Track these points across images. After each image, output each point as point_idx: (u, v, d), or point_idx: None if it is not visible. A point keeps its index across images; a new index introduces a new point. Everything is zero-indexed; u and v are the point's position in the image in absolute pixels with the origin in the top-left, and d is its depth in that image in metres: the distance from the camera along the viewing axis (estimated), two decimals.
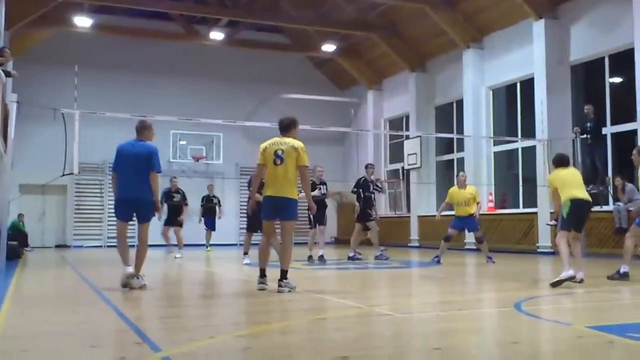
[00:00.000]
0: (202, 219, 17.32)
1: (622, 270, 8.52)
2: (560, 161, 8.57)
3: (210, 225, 17.44)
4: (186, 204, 14.87)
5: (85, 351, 4.11)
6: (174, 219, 14.58)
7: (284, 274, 7.17)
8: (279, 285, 7.09)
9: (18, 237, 16.66)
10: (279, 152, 7.11)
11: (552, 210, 14.98)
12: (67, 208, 21.45)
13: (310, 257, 12.61)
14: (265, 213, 7.26)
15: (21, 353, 4.02)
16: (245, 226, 13.02)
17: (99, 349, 4.20)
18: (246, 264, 11.37)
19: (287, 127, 7.36)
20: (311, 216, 12.19)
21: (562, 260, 7.70)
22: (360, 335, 4.85)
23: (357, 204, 13.58)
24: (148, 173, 7.60)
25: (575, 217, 8.01)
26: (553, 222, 14.60)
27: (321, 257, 12.44)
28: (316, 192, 12.19)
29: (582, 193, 8.18)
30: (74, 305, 6.76)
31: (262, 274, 7.30)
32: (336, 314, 5.77)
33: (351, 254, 13.21)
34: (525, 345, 4.31)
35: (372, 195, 13.68)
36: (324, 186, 13.13)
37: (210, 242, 17.56)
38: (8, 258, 11.13)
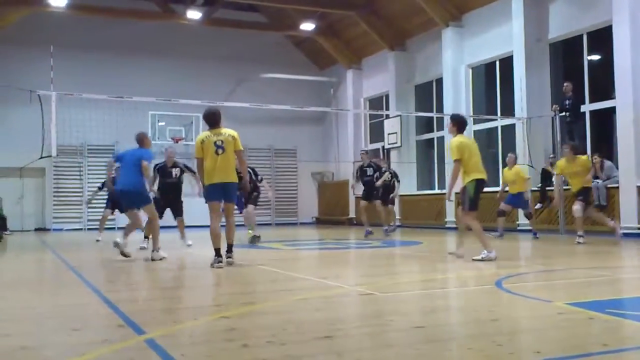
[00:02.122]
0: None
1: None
2: (463, 123, 8.63)
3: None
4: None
5: (68, 334, 4.09)
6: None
7: (230, 248, 8.16)
8: (228, 257, 8.06)
9: None
10: (219, 143, 7.89)
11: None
12: (46, 191, 21.24)
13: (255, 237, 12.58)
14: (213, 196, 8.00)
15: (3, 337, 3.99)
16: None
17: (81, 332, 4.18)
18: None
19: (218, 120, 8.06)
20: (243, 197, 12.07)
21: (482, 240, 8.27)
22: (343, 315, 4.88)
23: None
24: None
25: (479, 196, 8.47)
26: (539, 205, 14.76)
27: (256, 238, 12.57)
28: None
29: (483, 171, 8.50)
30: (55, 289, 6.73)
31: (218, 254, 8.00)
32: (318, 294, 5.80)
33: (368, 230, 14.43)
34: (506, 322, 4.36)
35: (372, 178, 14.57)
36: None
37: (187, 224, 17.36)
38: None
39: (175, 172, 11.73)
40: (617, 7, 13.10)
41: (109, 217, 14.80)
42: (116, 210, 13.92)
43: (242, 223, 16.88)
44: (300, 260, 9.60)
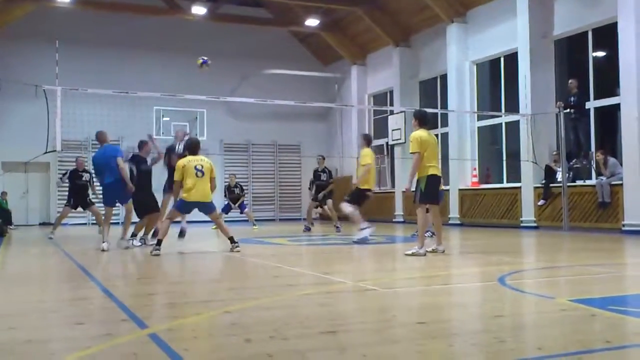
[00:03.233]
0: None
1: None
2: (424, 119, 8.79)
3: None
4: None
5: (72, 328, 4.12)
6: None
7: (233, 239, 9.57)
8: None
9: (2, 215, 16.58)
10: (199, 167, 9.26)
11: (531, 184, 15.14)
12: (50, 185, 21.28)
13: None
14: (184, 210, 9.67)
15: (8, 331, 4.02)
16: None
17: (85, 326, 4.21)
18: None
19: (197, 147, 9.57)
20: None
21: (420, 233, 8.65)
22: (346, 311, 4.90)
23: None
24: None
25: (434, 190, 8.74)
26: (542, 202, 14.75)
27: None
28: None
29: (438, 168, 8.79)
30: (59, 283, 6.76)
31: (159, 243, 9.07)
32: (321, 290, 5.81)
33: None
34: (508, 318, 4.38)
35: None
36: None
37: (190, 220, 17.29)
38: None
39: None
40: (622, 3, 13.05)
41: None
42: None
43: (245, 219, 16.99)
44: (303, 256, 9.61)
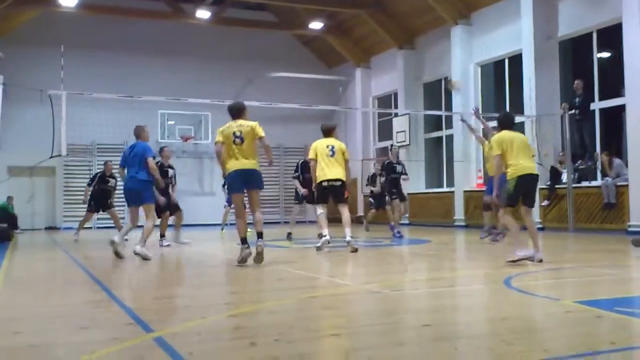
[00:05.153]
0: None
1: None
2: (503, 122, 8.03)
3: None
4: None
5: (78, 332, 4.12)
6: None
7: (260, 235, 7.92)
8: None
9: (8, 219, 16.59)
10: (237, 133, 7.84)
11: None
12: (56, 190, 21.34)
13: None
14: (235, 186, 8.01)
15: (14, 335, 4.03)
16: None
17: (90, 330, 4.21)
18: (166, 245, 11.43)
19: (239, 112, 8.07)
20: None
21: (514, 238, 7.55)
22: (351, 313, 4.89)
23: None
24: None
25: (522, 191, 7.70)
26: (545, 203, 14.70)
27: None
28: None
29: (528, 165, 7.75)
30: (65, 287, 6.77)
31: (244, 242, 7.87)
32: (326, 292, 5.80)
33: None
34: (515, 320, 4.35)
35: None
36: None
37: (197, 223, 17.29)
38: None
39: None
40: (627, 4, 13.02)
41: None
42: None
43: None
44: (308, 259, 9.60)
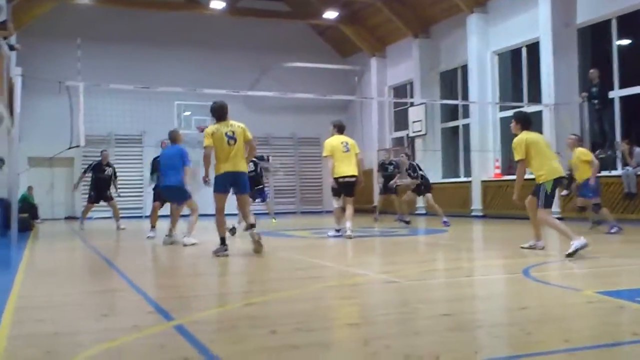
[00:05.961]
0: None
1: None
2: (525, 120, 7.85)
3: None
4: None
5: (98, 320, 4.17)
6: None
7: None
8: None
9: (28, 209, 16.75)
10: (230, 134, 7.96)
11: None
12: (75, 180, 21.47)
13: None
14: (220, 187, 8.03)
15: (36, 323, 4.07)
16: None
17: (111, 318, 4.26)
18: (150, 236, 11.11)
19: (226, 112, 8.18)
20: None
21: (564, 232, 7.39)
22: (369, 303, 4.90)
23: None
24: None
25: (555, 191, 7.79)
26: (565, 192, 14.56)
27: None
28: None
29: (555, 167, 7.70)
30: (86, 276, 6.84)
31: (223, 242, 8.01)
32: (343, 282, 5.81)
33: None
34: (534, 310, 4.33)
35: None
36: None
37: (203, 213, 17.04)
38: (19, 230, 11.27)
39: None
40: None
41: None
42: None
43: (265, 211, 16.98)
44: (325, 248, 9.62)
